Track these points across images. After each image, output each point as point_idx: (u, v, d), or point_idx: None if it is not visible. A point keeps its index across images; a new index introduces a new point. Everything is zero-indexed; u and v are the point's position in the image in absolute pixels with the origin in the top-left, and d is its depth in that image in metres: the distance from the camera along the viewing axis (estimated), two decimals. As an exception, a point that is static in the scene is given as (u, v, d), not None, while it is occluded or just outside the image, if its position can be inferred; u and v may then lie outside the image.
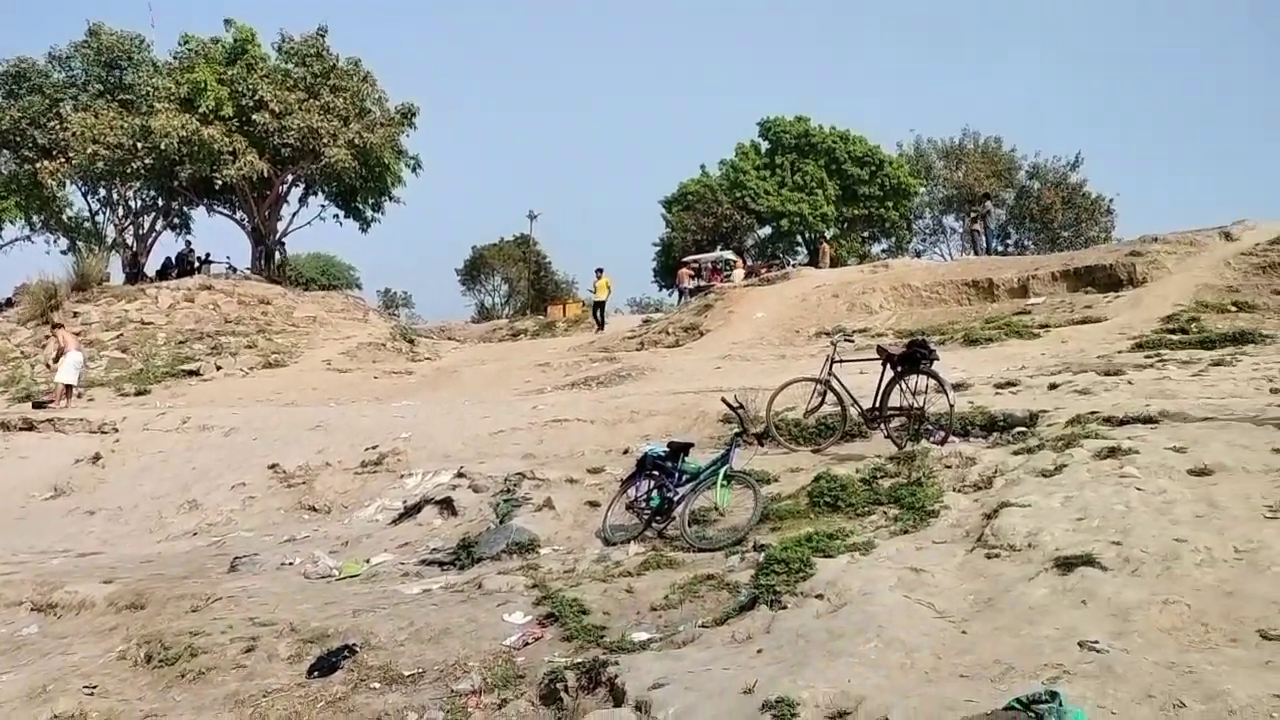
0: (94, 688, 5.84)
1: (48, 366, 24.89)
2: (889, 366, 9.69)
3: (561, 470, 10.62)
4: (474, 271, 66.47)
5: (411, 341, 30.14)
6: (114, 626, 7.96)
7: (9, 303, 38.95)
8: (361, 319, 32.53)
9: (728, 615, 5.89)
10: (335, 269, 59.24)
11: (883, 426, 9.76)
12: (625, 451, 11.25)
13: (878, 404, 9.74)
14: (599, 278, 31.29)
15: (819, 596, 5.70)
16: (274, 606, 7.08)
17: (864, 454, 9.34)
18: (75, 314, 27.66)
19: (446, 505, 10.34)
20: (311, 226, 39.76)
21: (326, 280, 55.12)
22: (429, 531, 9.94)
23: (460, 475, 11.02)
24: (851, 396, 10.11)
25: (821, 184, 50.55)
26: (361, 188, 37.44)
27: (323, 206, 38.82)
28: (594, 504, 9.55)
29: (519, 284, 63.36)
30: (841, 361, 10.39)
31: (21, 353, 27.05)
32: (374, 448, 13.38)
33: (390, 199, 38.85)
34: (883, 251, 52.75)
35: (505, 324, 41.76)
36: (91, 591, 8.84)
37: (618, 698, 4.85)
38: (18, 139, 35.12)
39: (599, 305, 31.71)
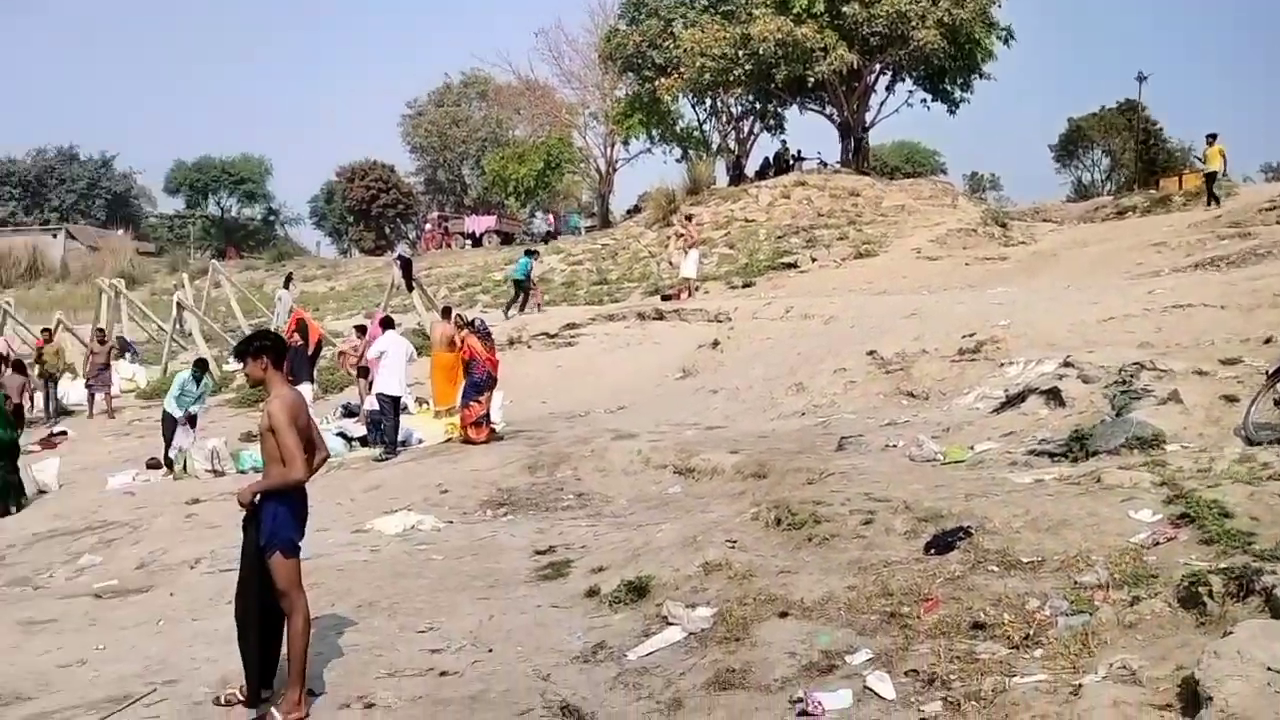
0: (734, 542, 6.58)
1: (670, 264, 28.25)
2: None
3: (1187, 361, 9.52)
4: (1069, 146, 61.33)
5: (1003, 225, 29.00)
6: (741, 491, 8.91)
7: (637, 209, 44.74)
8: (950, 205, 31.99)
9: None
10: (920, 155, 58.77)
11: None
12: (1267, 341, 9.77)
13: None
14: (1210, 145, 27.10)
15: None
16: (885, 485, 7.35)
17: None
18: (689, 216, 30.80)
19: (1053, 395, 9.84)
20: (898, 114, 39.76)
21: (911, 168, 54.97)
22: (1034, 421, 9.56)
23: (1067, 364, 10.39)
24: None
25: None
26: (950, 68, 36.36)
27: (910, 92, 38.53)
28: (1230, 399, 8.44)
29: (1123, 156, 57.21)
30: None
31: (649, 252, 30.98)
32: (970, 335, 13.15)
33: (980, 76, 37.25)
34: None
35: (1109, 202, 38.12)
36: (721, 460, 9.97)
37: (1275, 609, 4.29)
38: (639, 61, 39.61)
39: (1211, 176, 27.58)
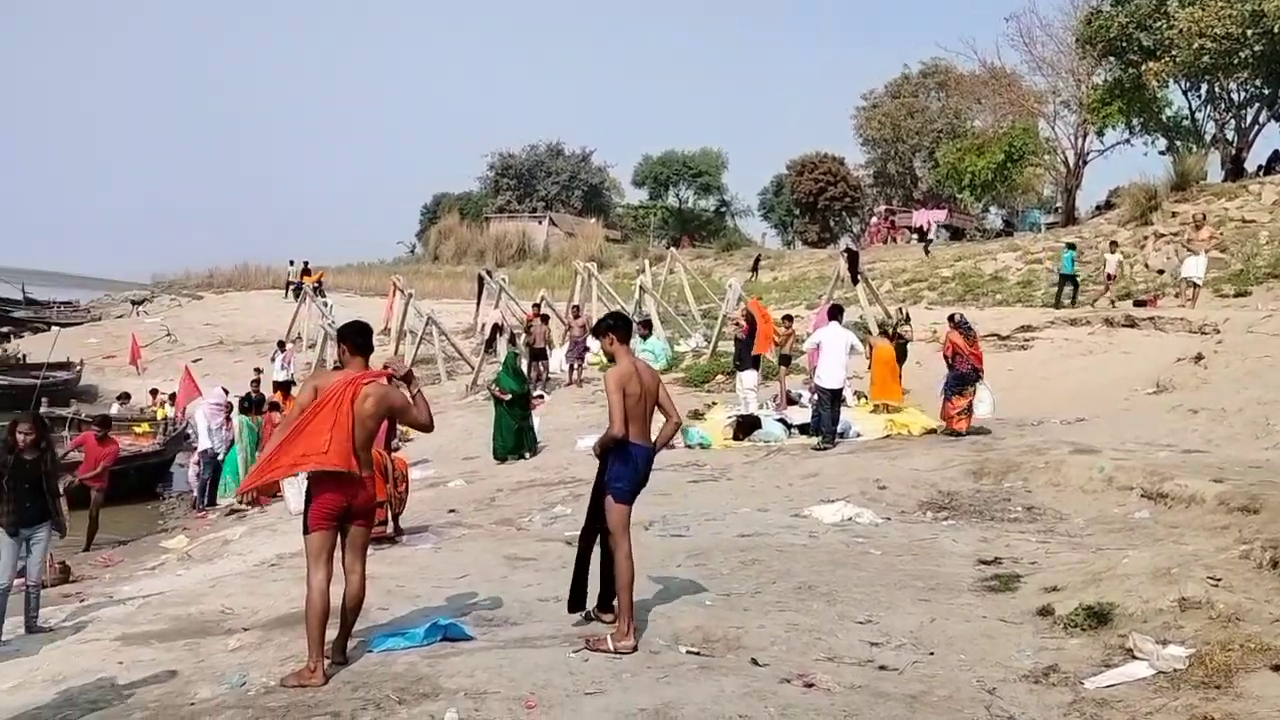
0: (1218, 580, 5.80)
1: (1146, 266, 25.64)
2: None
3: None
4: None
5: None
6: (1226, 525, 7.85)
7: (1107, 205, 41.06)
8: None
9: None
10: None
11: None
12: None
13: None
14: None
15: None
16: None
17: None
18: (1174, 214, 27.62)
19: None
20: None
21: None
22: None
23: None
24: None
25: None
26: None
27: None
28: None
29: None
30: None
31: (1122, 253, 28.25)
32: None
33: None
34: None
35: None
36: (1201, 488, 8.85)
37: None
38: (1123, 44, 36.12)
39: None
